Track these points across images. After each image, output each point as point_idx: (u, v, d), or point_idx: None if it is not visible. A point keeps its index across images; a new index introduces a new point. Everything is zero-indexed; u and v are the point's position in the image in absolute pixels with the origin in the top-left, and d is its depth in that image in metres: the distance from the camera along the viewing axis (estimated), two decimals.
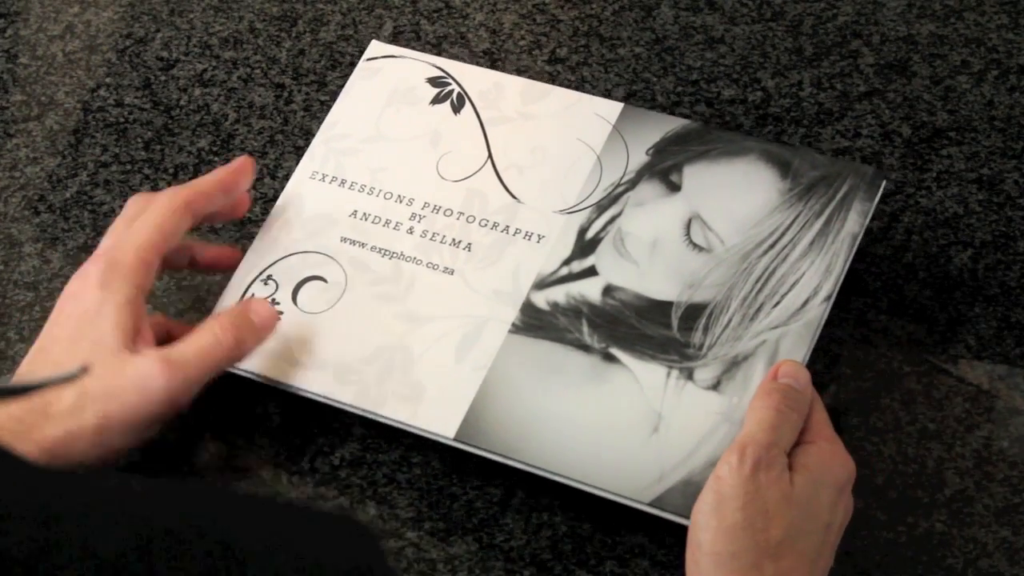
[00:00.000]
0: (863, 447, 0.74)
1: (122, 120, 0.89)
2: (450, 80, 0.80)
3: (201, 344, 0.69)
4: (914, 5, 0.90)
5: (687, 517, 0.65)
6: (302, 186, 0.79)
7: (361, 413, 0.72)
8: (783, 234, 0.72)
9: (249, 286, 0.76)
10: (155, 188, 0.85)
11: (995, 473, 0.73)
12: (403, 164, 0.78)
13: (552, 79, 0.86)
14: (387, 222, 0.76)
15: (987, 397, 0.75)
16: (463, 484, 0.73)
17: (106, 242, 0.73)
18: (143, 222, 0.72)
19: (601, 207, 0.74)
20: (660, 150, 0.76)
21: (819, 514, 0.63)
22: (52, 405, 0.66)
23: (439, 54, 0.87)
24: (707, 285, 0.71)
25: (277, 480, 0.74)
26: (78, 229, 0.84)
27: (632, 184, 0.75)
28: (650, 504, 0.67)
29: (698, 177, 0.74)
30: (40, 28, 0.93)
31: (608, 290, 0.72)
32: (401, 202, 0.76)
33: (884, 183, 0.75)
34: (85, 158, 0.87)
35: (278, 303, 0.75)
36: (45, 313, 0.80)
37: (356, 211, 0.77)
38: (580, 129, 0.77)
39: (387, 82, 0.81)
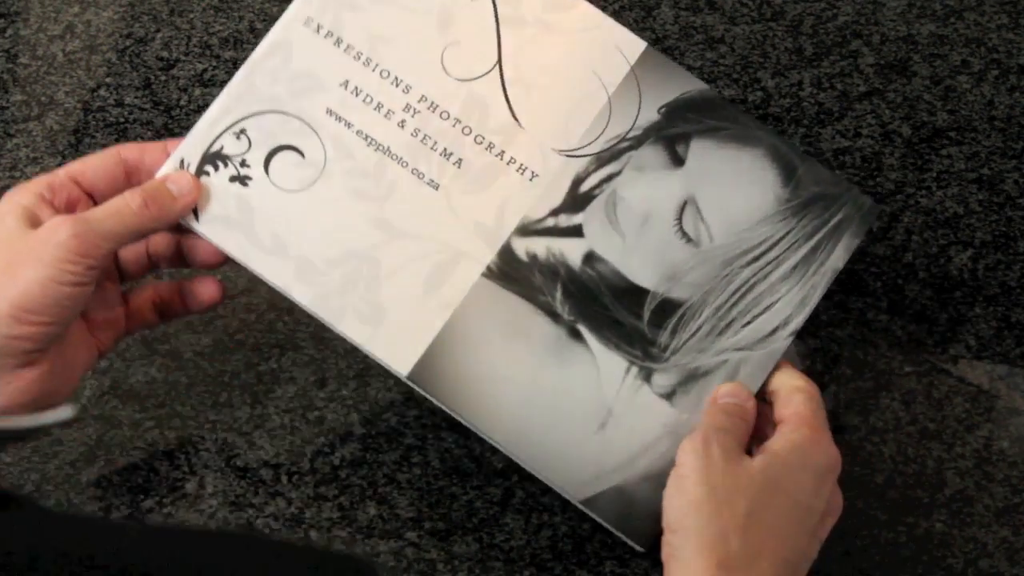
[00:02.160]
0: (863, 447, 0.74)
1: (122, 120, 0.89)
2: None
3: (108, 203, 0.67)
4: (914, 5, 0.90)
5: (614, 524, 0.66)
6: (293, 32, 0.71)
7: (316, 318, 0.69)
8: (770, 248, 0.70)
9: (220, 136, 0.70)
10: None
11: (995, 473, 0.73)
12: (406, 40, 0.72)
13: None
14: (379, 106, 0.71)
15: (987, 397, 0.75)
16: (463, 484, 0.74)
17: None
18: None
19: (601, 160, 0.71)
20: (673, 112, 0.72)
21: (790, 493, 0.64)
22: None
23: None
24: (686, 282, 0.70)
25: (277, 480, 0.74)
26: None
27: (637, 143, 0.72)
28: (582, 502, 0.67)
29: (704, 156, 0.71)
30: (40, 28, 0.93)
31: (590, 258, 0.70)
32: (398, 86, 0.71)
33: (876, 221, 0.74)
34: None
35: (248, 166, 0.69)
36: None
37: (348, 81, 0.71)
38: (597, 60, 0.72)
39: None
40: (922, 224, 0.81)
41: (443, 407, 0.68)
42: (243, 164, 0.69)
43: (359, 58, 0.71)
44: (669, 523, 0.63)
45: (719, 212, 0.70)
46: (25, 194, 0.67)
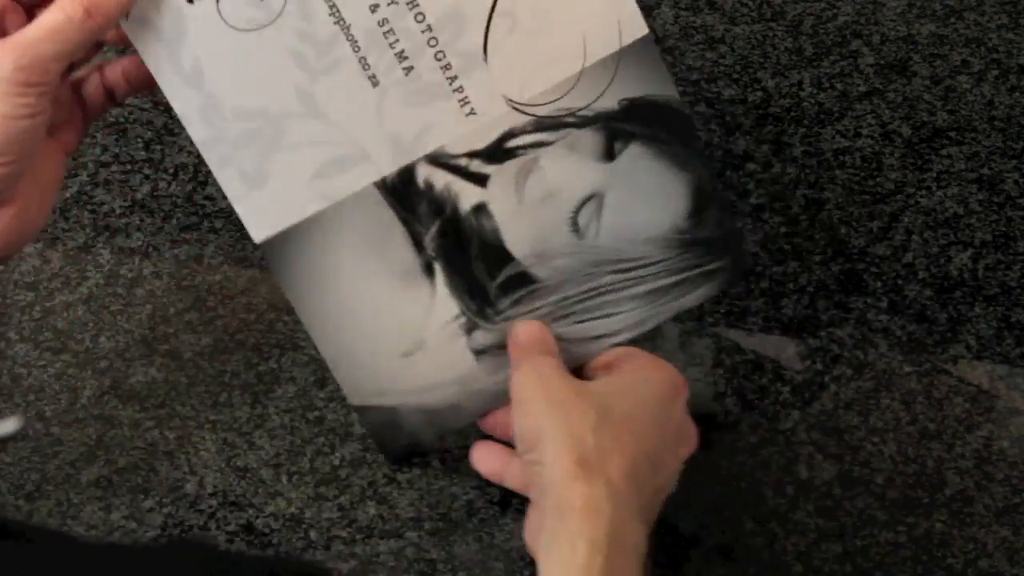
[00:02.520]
0: (863, 447, 0.74)
1: (122, 120, 0.89)
2: None
3: (46, 20, 0.60)
4: (914, 5, 0.90)
5: (375, 436, 0.70)
6: None
7: (202, 157, 0.67)
8: (641, 267, 0.70)
9: None
10: (155, 188, 0.85)
11: (995, 473, 0.73)
12: None
13: None
14: None
15: (987, 397, 0.75)
16: (463, 484, 0.74)
17: None
18: None
19: (541, 124, 0.68)
20: (631, 108, 0.69)
21: (636, 396, 0.65)
22: None
23: None
24: (552, 265, 0.69)
25: (277, 480, 0.74)
26: (78, 229, 0.84)
27: (582, 123, 0.69)
28: (355, 407, 0.69)
29: (635, 161, 0.69)
30: None
31: (480, 209, 0.69)
32: None
33: (744, 280, 0.74)
34: (85, 158, 0.87)
35: None
36: (45, 313, 0.81)
37: None
38: (593, 26, 0.68)
39: None
40: (922, 224, 0.81)
41: (278, 284, 0.67)
42: None
43: None
44: (525, 445, 0.63)
45: (616, 217, 0.69)
46: None
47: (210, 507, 0.74)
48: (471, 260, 0.69)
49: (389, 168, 0.67)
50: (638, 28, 0.68)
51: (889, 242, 0.81)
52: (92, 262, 0.83)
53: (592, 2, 0.68)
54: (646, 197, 0.69)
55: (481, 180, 0.68)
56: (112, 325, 0.80)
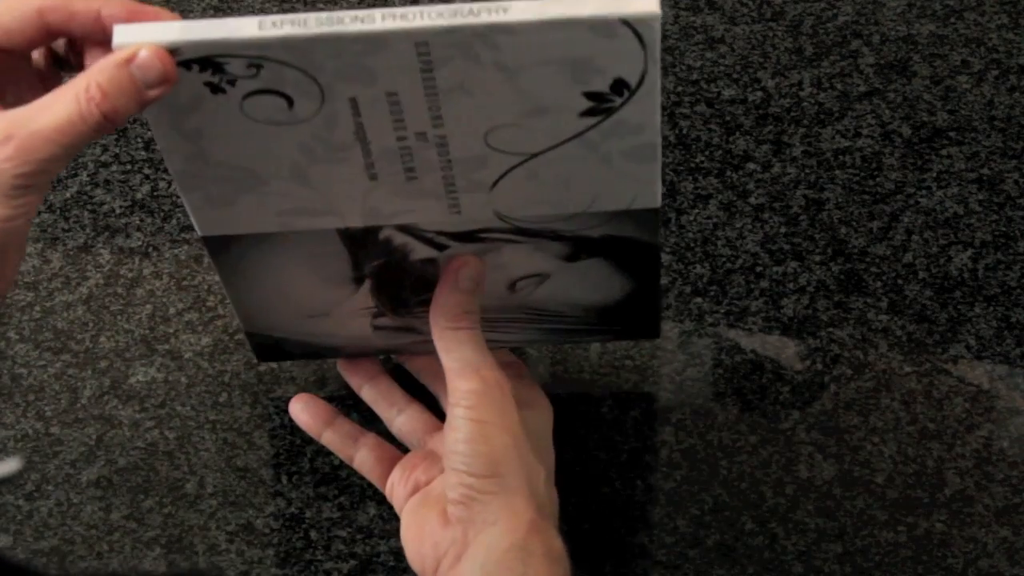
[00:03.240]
0: (863, 447, 0.74)
1: None
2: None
3: (59, 118, 0.54)
4: (914, 5, 0.90)
5: (254, 346, 0.74)
6: (399, 42, 0.56)
7: (175, 185, 0.65)
8: (555, 317, 0.73)
9: (234, 58, 0.56)
10: (155, 188, 0.85)
11: (995, 473, 0.73)
12: (483, 94, 0.59)
13: None
14: (400, 121, 0.60)
15: (987, 397, 0.75)
16: None
17: None
18: None
19: (518, 230, 0.66)
20: (608, 241, 0.68)
21: (547, 441, 0.70)
22: None
23: None
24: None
25: (277, 480, 0.74)
26: (78, 229, 0.84)
27: (556, 237, 0.67)
28: (247, 332, 0.73)
29: (593, 266, 0.69)
30: None
31: (431, 262, 0.68)
32: (431, 113, 0.60)
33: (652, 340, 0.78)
34: (85, 158, 0.87)
35: (234, 86, 0.57)
36: (45, 313, 0.81)
37: (397, 94, 0.59)
38: (608, 190, 0.64)
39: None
40: (922, 224, 0.81)
41: (216, 270, 0.68)
42: (231, 83, 0.57)
43: (429, 84, 0.58)
44: (474, 469, 0.63)
45: (553, 290, 0.71)
46: None
47: (210, 507, 0.74)
48: (401, 283, 0.70)
49: (356, 223, 0.66)
50: (651, 200, 0.65)
51: (889, 242, 0.81)
52: (92, 262, 0.83)
53: (614, 176, 0.64)
54: (588, 285, 0.71)
55: (440, 247, 0.68)
56: (112, 325, 0.80)
